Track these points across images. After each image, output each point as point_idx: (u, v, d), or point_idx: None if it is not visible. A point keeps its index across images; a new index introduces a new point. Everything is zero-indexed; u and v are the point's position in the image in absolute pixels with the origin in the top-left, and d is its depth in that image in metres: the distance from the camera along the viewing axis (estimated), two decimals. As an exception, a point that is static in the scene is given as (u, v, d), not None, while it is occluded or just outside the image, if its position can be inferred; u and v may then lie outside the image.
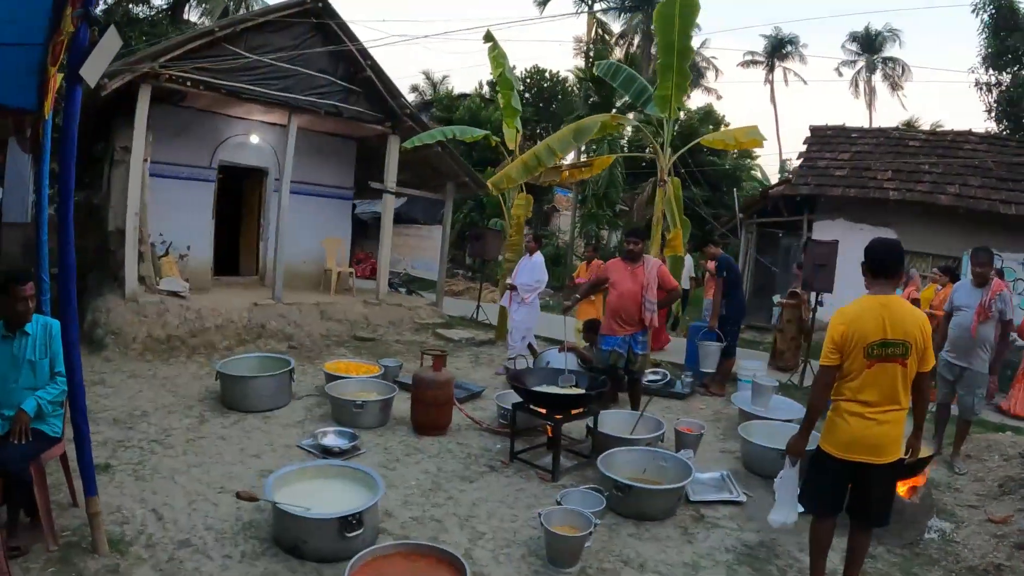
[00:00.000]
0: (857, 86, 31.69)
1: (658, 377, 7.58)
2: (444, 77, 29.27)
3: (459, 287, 16.48)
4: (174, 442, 4.64)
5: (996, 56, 13.52)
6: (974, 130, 12.99)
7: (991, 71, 13.80)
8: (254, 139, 10.14)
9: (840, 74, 32.68)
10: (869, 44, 30.91)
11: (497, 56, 9.45)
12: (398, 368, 7.06)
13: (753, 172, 24.00)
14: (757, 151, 23.18)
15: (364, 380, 6.10)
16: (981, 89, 14.11)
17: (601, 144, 15.89)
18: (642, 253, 5.89)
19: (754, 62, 30.56)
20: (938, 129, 13.20)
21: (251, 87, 8.37)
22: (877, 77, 30.68)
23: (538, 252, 8.04)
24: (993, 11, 13.34)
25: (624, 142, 17.06)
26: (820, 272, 7.81)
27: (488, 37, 9.48)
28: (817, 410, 3.08)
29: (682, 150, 9.03)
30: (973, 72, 14.08)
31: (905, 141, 12.89)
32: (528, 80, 23.60)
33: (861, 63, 31.35)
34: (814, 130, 13.93)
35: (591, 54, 19.83)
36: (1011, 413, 7.54)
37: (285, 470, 3.47)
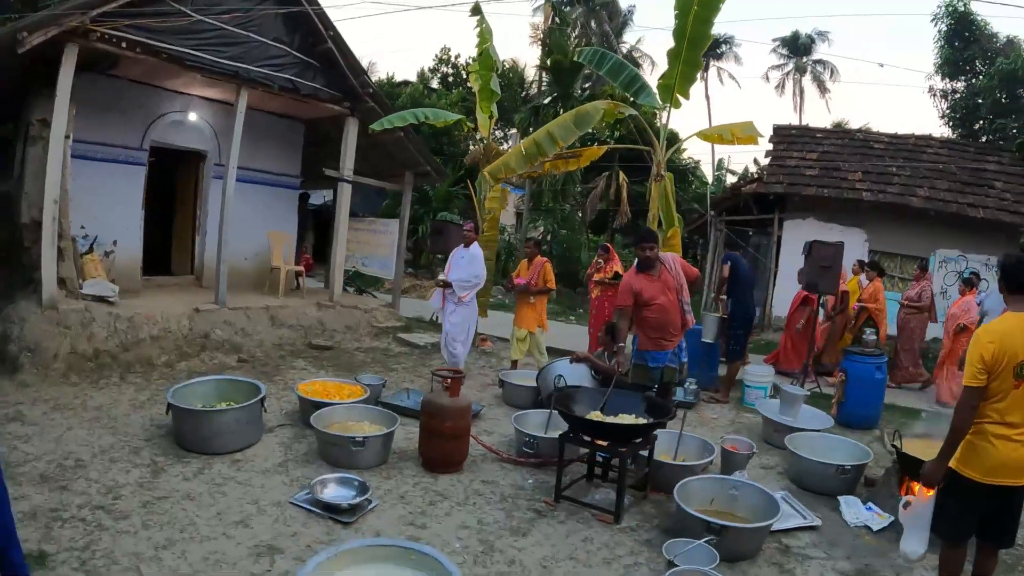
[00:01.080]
0: (784, 87, 32.50)
1: None
2: (370, 64, 27.60)
3: (405, 285, 15.49)
4: (126, 507, 3.56)
5: (951, 65, 13.78)
6: (932, 135, 13.28)
7: (946, 79, 14.07)
8: (192, 117, 8.79)
9: (767, 79, 33.19)
10: (797, 48, 31.75)
11: (483, 32, 8.60)
12: (381, 387, 6.11)
13: (696, 172, 24.05)
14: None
15: (352, 407, 5.13)
16: (935, 96, 14.42)
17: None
18: (658, 257, 5.08)
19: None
20: (899, 133, 13.25)
21: (196, 53, 7.09)
22: (807, 79, 31.54)
23: (475, 244, 6.87)
24: (951, 22, 13.56)
25: (607, 134, 16.33)
26: (825, 274, 7.52)
27: (476, 10, 8.74)
28: (963, 434, 2.83)
29: (679, 143, 8.55)
30: (929, 79, 14.40)
31: (870, 143, 13.02)
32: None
33: (791, 66, 32.11)
34: (777, 129, 13.82)
35: (548, 42, 19.04)
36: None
37: (316, 561, 2.50)
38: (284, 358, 7.55)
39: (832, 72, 31.43)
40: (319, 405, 5.05)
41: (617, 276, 7.68)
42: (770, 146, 13.33)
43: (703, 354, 7.38)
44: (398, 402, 5.81)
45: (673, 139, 8.50)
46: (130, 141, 8.23)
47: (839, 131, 14.12)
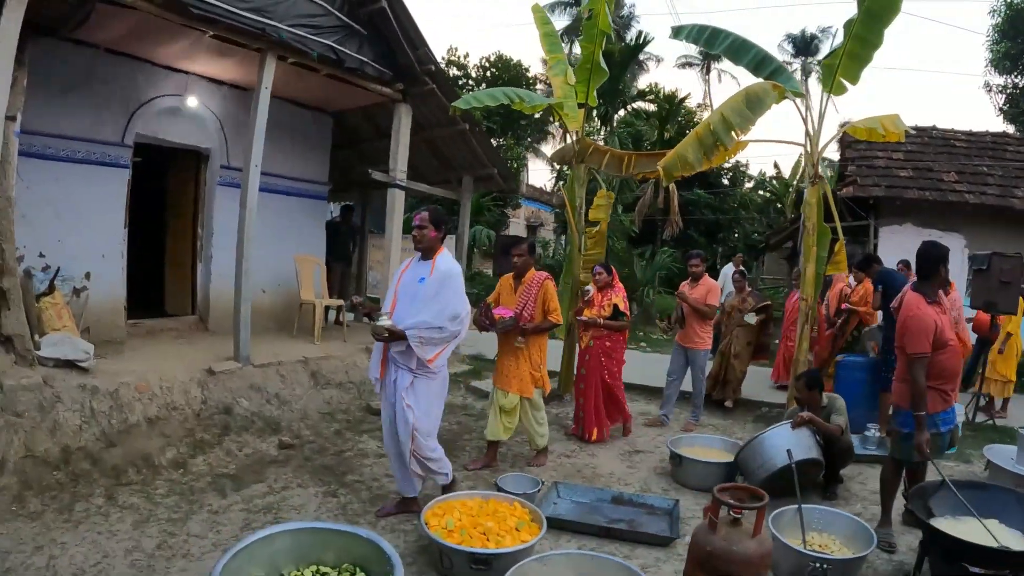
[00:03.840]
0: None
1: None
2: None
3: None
4: None
5: (1010, 58, 12.51)
6: (1006, 132, 12.00)
7: (1006, 75, 12.81)
8: (191, 103, 6.33)
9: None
10: (805, 47, 30.24)
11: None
12: (536, 493, 3.84)
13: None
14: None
15: (552, 561, 2.82)
16: (991, 91, 13.17)
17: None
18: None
19: (689, 64, 29.04)
20: (973, 130, 11.87)
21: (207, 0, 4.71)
22: (812, 80, 30.07)
23: (447, 258, 3.61)
24: (1010, 13, 12.27)
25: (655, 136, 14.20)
26: (1005, 291, 6.25)
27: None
28: None
29: (832, 138, 6.53)
30: (987, 75, 13.11)
31: (950, 142, 11.43)
32: (492, 70, 20.28)
33: (796, 64, 30.60)
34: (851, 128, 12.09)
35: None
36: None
37: None
38: (341, 435, 5.16)
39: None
40: (486, 561, 2.78)
41: (618, 312, 5.27)
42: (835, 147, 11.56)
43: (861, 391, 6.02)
44: (578, 517, 3.65)
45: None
46: (106, 134, 5.74)
47: (916, 129, 12.40)
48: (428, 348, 3.36)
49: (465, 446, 5.14)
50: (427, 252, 3.53)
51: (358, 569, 2.68)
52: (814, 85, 29.48)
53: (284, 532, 2.77)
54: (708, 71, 29.13)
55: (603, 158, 7.62)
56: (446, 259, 3.53)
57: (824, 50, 29.06)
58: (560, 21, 23.44)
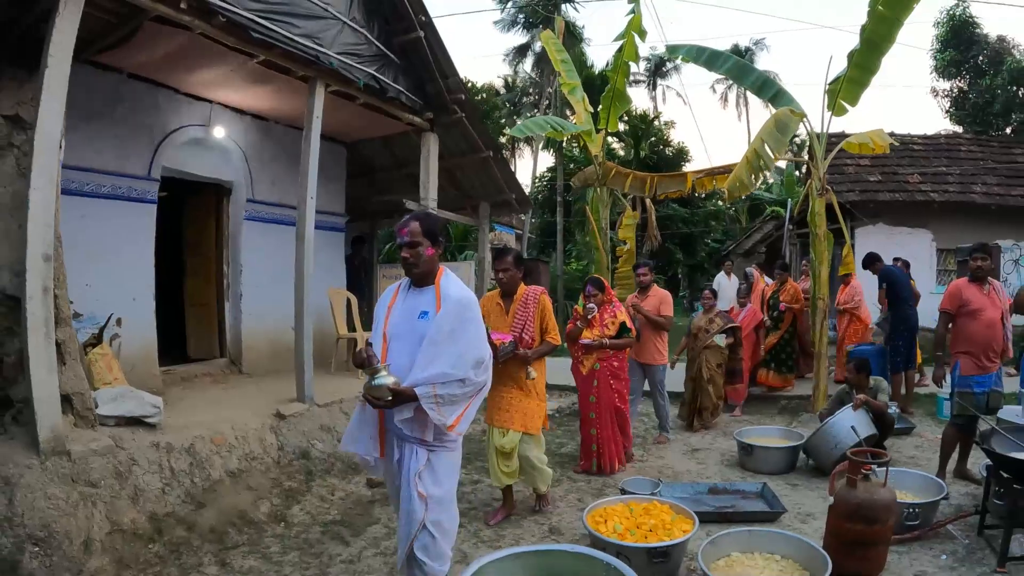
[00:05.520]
0: (727, 99, 32.47)
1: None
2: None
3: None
4: None
5: (954, 65, 13.62)
6: (957, 132, 13.03)
7: (950, 80, 13.91)
8: (218, 133, 5.84)
9: (714, 90, 33.05)
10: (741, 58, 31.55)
11: (636, 20, 6.83)
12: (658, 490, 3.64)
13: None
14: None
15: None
16: (938, 95, 14.31)
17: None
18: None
19: (636, 82, 29.78)
20: (927, 133, 12.88)
21: (262, 21, 4.34)
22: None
23: (455, 281, 2.54)
24: (954, 25, 13.39)
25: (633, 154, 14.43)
26: None
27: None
28: None
29: (832, 153, 6.89)
30: (933, 81, 14.32)
31: (909, 145, 12.20)
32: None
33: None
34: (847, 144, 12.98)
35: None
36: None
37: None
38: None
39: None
40: (664, 554, 2.93)
41: (625, 329, 4.76)
42: (804, 155, 12.14)
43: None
44: (693, 508, 3.59)
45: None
46: (133, 167, 5.19)
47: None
48: (447, 409, 2.29)
49: (463, 497, 4.22)
50: (424, 277, 2.44)
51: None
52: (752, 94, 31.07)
53: (521, 552, 2.66)
54: (655, 87, 29.95)
55: (626, 180, 7.66)
56: (454, 283, 2.45)
57: (758, 63, 30.68)
58: (517, 38, 23.48)
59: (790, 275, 8.14)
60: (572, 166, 16.37)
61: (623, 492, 3.94)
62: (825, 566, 2.73)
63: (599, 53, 62.55)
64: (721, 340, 6.01)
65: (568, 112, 18.84)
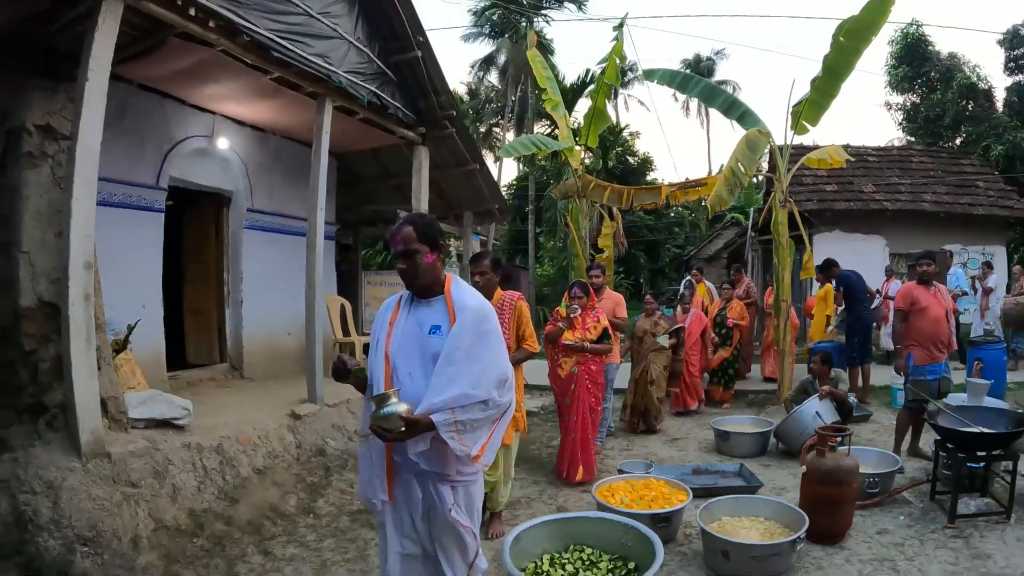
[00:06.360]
0: (689, 109, 33.33)
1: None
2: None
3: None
4: None
5: (907, 80, 14.52)
6: (909, 144, 13.97)
7: (903, 94, 14.82)
8: (221, 144, 5.97)
9: (676, 98, 33.91)
10: (699, 70, 32.42)
11: (619, 46, 7.47)
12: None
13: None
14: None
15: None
16: (891, 109, 15.28)
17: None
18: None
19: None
20: (880, 145, 13.76)
21: (281, 41, 4.55)
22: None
23: (470, 290, 2.30)
24: (907, 42, 14.26)
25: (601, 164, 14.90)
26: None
27: (620, 26, 7.81)
28: None
29: (794, 168, 7.51)
30: (887, 95, 15.23)
31: (863, 156, 13.02)
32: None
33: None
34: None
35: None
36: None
37: None
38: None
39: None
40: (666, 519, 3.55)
41: (606, 335, 4.76)
42: (764, 165, 12.79)
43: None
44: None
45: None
46: (143, 176, 5.30)
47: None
48: (470, 437, 1.97)
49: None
50: (428, 288, 2.14)
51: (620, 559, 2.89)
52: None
53: (552, 520, 3.12)
54: (616, 96, 30.58)
55: (604, 192, 8.08)
56: (466, 292, 2.15)
57: (718, 73, 31.77)
58: (483, 48, 23.70)
59: (746, 275, 8.76)
60: (540, 175, 16.81)
61: (620, 472, 4.47)
62: (803, 522, 3.24)
63: (563, 63, 64.18)
64: (664, 340, 6.11)
65: (537, 122, 19.33)
